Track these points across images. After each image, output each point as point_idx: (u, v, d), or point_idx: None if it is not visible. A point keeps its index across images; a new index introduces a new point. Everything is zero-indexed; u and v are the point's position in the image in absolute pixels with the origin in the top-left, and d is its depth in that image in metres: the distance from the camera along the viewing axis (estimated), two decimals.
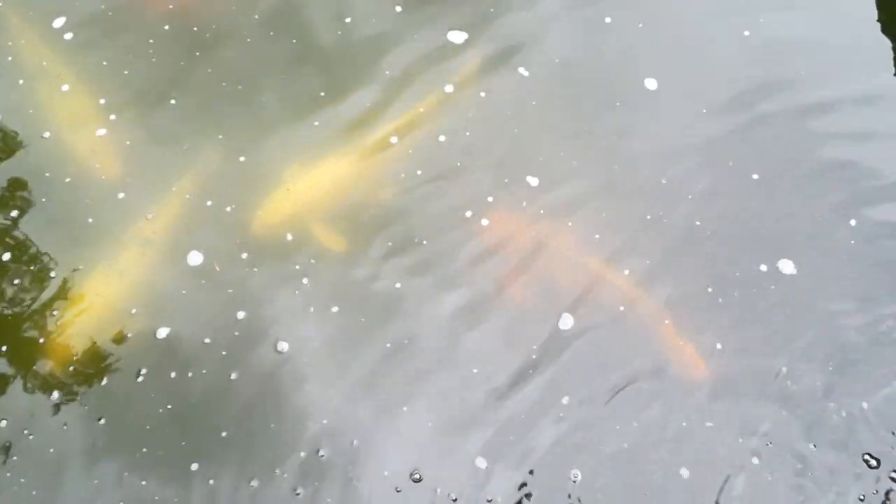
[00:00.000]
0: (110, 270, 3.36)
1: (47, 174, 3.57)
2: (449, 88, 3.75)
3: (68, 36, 4.01)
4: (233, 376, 3.12)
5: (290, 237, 3.41)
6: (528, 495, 2.93)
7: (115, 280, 3.35)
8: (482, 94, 3.73)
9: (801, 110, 3.72)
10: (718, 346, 3.18)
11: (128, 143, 3.66)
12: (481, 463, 2.97)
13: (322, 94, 3.79)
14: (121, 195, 3.52)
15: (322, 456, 2.99)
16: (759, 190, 3.51)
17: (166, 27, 4.04)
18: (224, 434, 3.02)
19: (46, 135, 3.68)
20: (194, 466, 2.96)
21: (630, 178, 3.54)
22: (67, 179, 3.56)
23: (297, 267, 3.34)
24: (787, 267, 3.33)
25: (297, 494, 2.93)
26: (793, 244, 3.39)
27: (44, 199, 3.52)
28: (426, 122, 3.67)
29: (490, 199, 3.48)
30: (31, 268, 3.38)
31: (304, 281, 3.32)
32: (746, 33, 3.93)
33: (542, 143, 3.61)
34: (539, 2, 4.06)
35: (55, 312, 3.26)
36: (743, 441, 3.01)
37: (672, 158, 3.58)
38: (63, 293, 3.31)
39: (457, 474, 2.96)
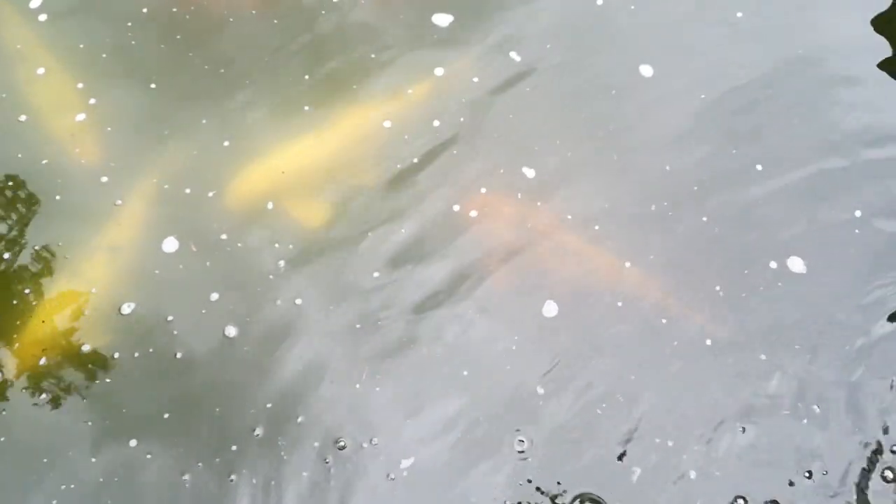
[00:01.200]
0: (86, 253, 3.28)
1: (20, 156, 3.47)
2: (439, 72, 3.65)
3: (43, 17, 3.89)
4: (178, 355, 3.06)
5: (268, 206, 3.35)
6: None
7: (93, 262, 3.27)
8: (475, 80, 3.63)
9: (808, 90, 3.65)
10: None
11: (108, 128, 3.54)
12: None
13: (307, 76, 3.69)
14: (104, 179, 3.41)
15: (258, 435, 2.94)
16: (763, 181, 3.44)
17: (144, 10, 3.92)
18: (167, 416, 2.96)
19: (23, 118, 3.56)
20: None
21: (631, 169, 3.45)
22: (44, 161, 3.45)
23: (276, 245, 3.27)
24: (796, 265, 3.27)
25: (231, 481, 2.86)
26: (802, 241, 3.32)
27: (20, 183, 3.42)
28: (419, 106, 3.57)
29: (483, 189, 3.40)
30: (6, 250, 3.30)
31: (281, 263, 3.24)
32: (739, 14, 3.86)
33: (538, 131, 3.53)
34: None
35: (27, 292, 3.18)
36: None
37: (672, 147, 3.49)
38: (39, 274, 3.23)
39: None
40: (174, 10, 3.91)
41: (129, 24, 3.87)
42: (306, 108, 3.60)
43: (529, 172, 3.43)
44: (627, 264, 3.24)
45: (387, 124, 3.54)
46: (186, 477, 2.85)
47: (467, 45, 3.77)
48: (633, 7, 3.88)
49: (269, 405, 2.98)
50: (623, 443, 2.92)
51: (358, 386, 3.01)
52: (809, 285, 3.23)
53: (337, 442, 2.92)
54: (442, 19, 3.83)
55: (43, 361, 3.06)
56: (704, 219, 3.34)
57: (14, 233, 3.34)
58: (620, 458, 2.90)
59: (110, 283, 3.21)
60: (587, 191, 3.40)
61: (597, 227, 3.32)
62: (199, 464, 2.87)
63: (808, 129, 3.56)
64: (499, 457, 2.90)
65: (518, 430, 2.94)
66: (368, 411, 2.98)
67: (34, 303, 3.16)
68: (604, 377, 3.04)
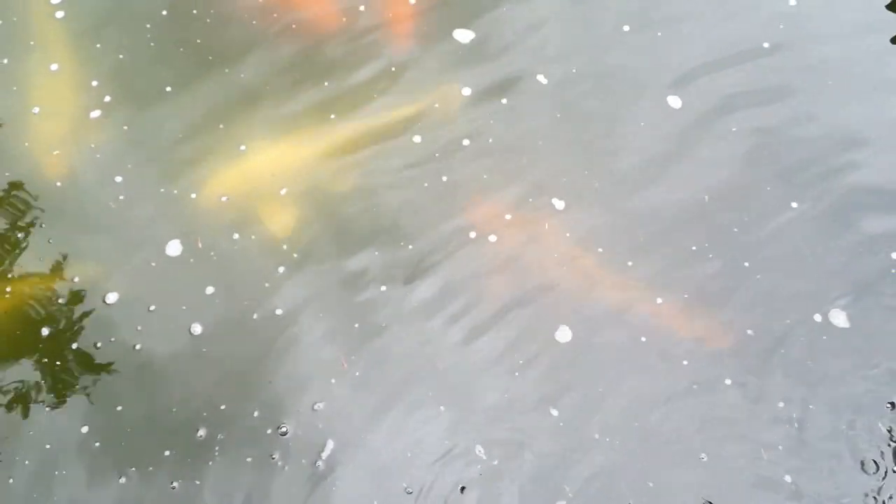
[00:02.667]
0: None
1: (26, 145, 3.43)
2: (466, 91, 3.57)
3: (60, 14, 3.81)
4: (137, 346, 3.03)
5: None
6: None
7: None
8: (503, 101, 3.55)
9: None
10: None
11: (125, 127, 3.47)
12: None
13: (326, 83, 3.61)
14: (118, 178, 3.37)
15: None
16: (800, 220, 3.34)
17: (164, 12, 3.84)
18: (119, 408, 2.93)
19: (35, 110, 3.51)
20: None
21: (666, 204, 3.35)
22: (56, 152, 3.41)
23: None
24: (838, 318, 3.15)
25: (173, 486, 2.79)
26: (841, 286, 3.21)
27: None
28: (448, 123, 3.49)
29: (508, 216, 3.30)
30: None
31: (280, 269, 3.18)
32: (766, 45, 3.79)
33: (567, 160, 3.43)
34: (544, 2, 3.89)
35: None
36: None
37: (707, 184, 3.39)
38: (52, 273, 3.21)
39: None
40: (194, 11, 3.83)
41: (148, 25, 3.79)
42: (332, 116, 3.52)
43: (559, 203, 3.34)
44: (659, 300, 3.15)
45: (417, 139, 3.46)
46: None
47: (493, 64, 3.69)
48: (659, 34, 3.81)
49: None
50: None
51: (358, 412, 2.95)
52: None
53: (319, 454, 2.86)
54: (463, 35, 3.76)
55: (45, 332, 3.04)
56: (746, 264, 3.23)
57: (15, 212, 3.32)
58: None
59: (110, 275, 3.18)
60: (620, 224, 3.30)
61: (630, 263, 3.22)
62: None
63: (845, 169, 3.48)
64: None
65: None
66: (362, 434, 2.91)
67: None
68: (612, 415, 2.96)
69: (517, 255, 3.24)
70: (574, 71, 3.67)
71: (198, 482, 2.82)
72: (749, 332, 3.09)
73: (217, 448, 2.88)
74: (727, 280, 3.19)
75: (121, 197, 3.34)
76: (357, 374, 3.01)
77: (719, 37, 3.78)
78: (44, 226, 3.28)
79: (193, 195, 3.34)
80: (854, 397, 2.99)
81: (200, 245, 3.24)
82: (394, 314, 3.12)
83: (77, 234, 3.28)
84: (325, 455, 2.87)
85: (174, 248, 3.23)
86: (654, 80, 3.65)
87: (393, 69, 3.66)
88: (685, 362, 3.04)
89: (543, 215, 3.31)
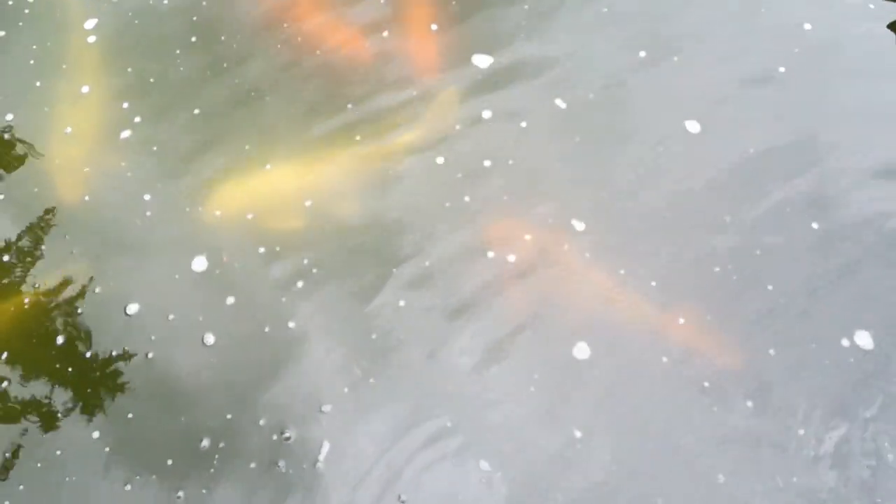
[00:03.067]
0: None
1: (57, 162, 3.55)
2: (487, 114, 3.64)
3: (92, 39, 3.94)
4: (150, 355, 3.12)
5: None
6: None
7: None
8: (523, 125, 3.60)
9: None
10: None
11: (154, 147, 3.57)
12: None
13: (349, 106, 3.69)
14: (146, 196, 3.46)
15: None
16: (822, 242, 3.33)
17: (193, 38, 3.95)
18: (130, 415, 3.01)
19: (68, 130, 3.62)
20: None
21: (687, 226, 3.36)
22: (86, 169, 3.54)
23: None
24: (864, 340, 3.14)
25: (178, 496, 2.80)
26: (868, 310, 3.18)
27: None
28: (470, 144, 3.55)
29: (528, 237, 3.34)
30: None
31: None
32: (782, 69, 3.81)
33: (587, 183, 3.47)
34: (561, 27, 3.95)
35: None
36: None
37: (726, 207, 3.39)
38: (74, 284, 3.29)
39: None
40: (222, 38, 3.93)
41: (178, 51, 3.90)
42: (357, 137, 3.59)
43: (579, 225, 3.36)
44: (681, 320, 3.16)
45: (440, 160, 3.51)
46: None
47: (511, 88, 3.76)
48: (675, 58, 3.87)
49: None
50: None
51: (361, 424, 2.97)
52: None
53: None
54: (482, 60, 3.84)
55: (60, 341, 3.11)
56: (770, 287, 3.22)
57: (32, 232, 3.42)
58: None
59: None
60: (641, 245, 3.30)
61: (653, 283, 3.22)
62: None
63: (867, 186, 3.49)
64: None
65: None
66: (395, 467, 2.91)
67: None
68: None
69: (536, 274, 3.26)
70: (591, 97, 3.72)
71: (204, 491, 2.86)
72: (771, 351, 3.10)
73: (220, 456, 2.91)
74: (750, 302, 3.19)
75: (148, 213, 3.41)
76: (371, 380, 3.05)
77: (736, 61, 3.83)
78: (69, 238, 3.37)
79: (218, 212, 3.41)
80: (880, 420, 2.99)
81: (226, 259, 3.30)
82: (410, 329, 3.15)
83: (102, 248, 3.36)
84: (323, 457, 2.91)
85: (200, 263, 3.29)
86: (672, 105, 3.70)
87: (414, 93, 3.73)
88: (706, 384, 3.04)
89: (563, 236, 3.34)
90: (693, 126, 3.60)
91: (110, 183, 3.49)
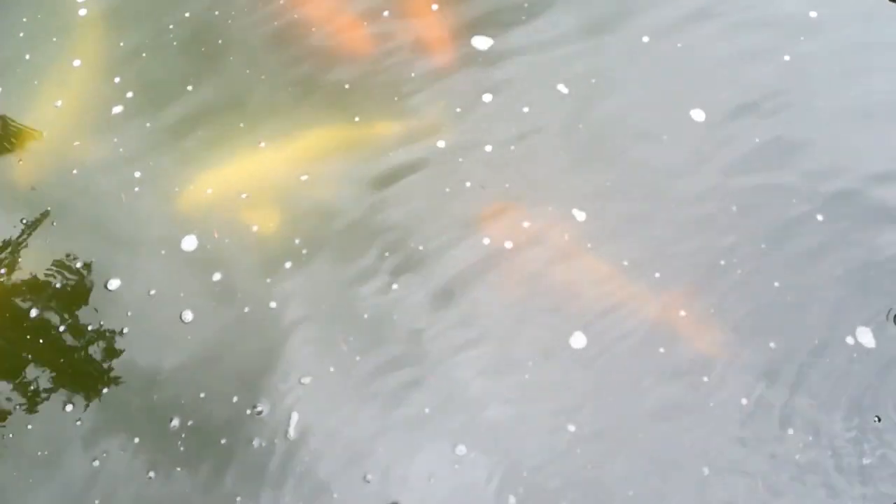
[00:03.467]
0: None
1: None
2: (487, 98, 3.56)
3: (83, 12, 3.82)
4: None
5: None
6: None
7: None
8: (525, 110, 3.53)
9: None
10: None
11: (147, 124, 3.48)
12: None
13: (347, 86, 3.61)
14: (137, 174, 3.39)
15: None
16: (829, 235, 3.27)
17: (187, 14, 3.84)
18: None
19: (58, 104, 3.54)
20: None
21: (692, 217, 3.28)
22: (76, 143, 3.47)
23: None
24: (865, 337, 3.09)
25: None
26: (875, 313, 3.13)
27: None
28: (471, 130, 3.47)
29: (526, 224, 3.27)
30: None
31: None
32: (787, 58, 3.72)
33: (589, 172, 3.39)
34: (562, 9, 3.86)
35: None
36: None
37: (732, 199, 3.32)
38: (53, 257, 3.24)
39: None
40: (216, 13, 3.83)
41: (171, 25, 3.80)
42: (356, 118, 3.51)
43: (580, 215, 3.29)
44: (682, 313, 3.11)
45: (441, 144, 3.44)
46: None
47: (512, 71, 3.67)
48: (679, 45, 3.78)
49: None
50: None
51: (357, 415, 2.93)
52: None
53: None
54: (482, 42, 3.75)
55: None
56: (777, 284, 3.16)
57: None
58: None
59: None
60: (643, 237, 3.24)
61: (657, 275, 3.16)
62: None
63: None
64: None
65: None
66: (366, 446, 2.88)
67: None
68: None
69: (533, 261, 3.21)
70: (594, 81, 3.65)
71: (177, 469, 2.84)
72: (771, 345, 3.05)
73: (188, 435, 2.88)
74: (753, 296, 3.13)
75: (136, 189, 3.35)
76: (357, 358, 3.01)
77: (741, 47, 3.74)
78: (52, 211, 3.32)
79: (210, 190, 3.34)
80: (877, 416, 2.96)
81: (217, 235, 3.25)
82: (399, 311, 3.10)
83: (87, 223, 3.31)
84: (294, 431, 2.89)
85: (190, 242, 3.24)
86: (677, 92, 3.63)
87: (413, 74, 3.65)
88: (705, 378, 2.99)
89: (563, 225, 3.27)
90: (698, 114, 3.53)
91: (100, 158, 3.42)
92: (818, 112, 3.58)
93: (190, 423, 2.90)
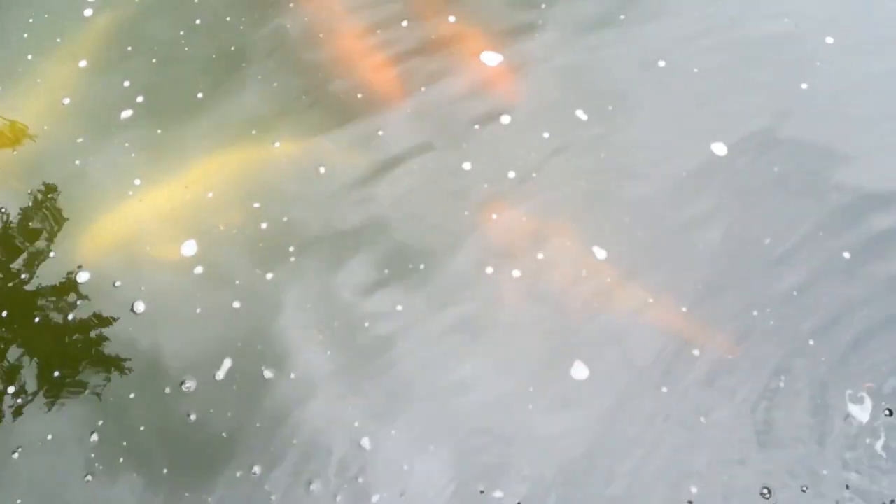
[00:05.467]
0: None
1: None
2: (506, 120, 3.47)
3: (88, 13, 3.72)
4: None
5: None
6: None
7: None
8: (545, 135, 3.45)
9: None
10: None
11: (158, 131, 3.40)
12: None
13: (359, 95, 3.54)
14: (137, 181, 3.32)
15: None
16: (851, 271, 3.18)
17: (197, 21, 3.74)
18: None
19: (66, 101, 3.50)
20: None
21: (713, 254, 3.18)
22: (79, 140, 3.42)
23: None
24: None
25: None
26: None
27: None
28: (501, 152, 3.38)
29: (540, 255, 3.16)
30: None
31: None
32: (804, 86, 3.61)
33: (610, 206, 3.29)
34: (574, 25, 3.78)
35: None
36: None
37: (755, 233, 3.22)
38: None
39: None
40: (227, 18, 3.74)
41: (182, 32, 3.70)
42: (380, 132, 3.43)
43: (600, 252, 3.18)
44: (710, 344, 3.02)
45: (466, 166, 3.35)
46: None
47: (530, 95, 3.58)
48: (696, 70, 3.70)
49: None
50: None
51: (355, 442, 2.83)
52: None
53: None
54: (491, 58, 3.67)
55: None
56: (811, 343, 3.02)
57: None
58: None
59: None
60: (667, 271, 3.15)
61: (684, 309, 3.06)
62: None
63: None
64: None
65: None
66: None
67: None
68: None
69: (541, 292, 3.12)
70: (610, 108, 3.57)
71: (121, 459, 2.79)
72: (781, 384, 2.96)
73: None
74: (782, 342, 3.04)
75: (137, 181, 3.31)
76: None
77: (756, 78, 3.66)
78: (50, 201, 3.27)
79: (210, 195, 3.29)
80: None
81: (223, 227, 3.20)
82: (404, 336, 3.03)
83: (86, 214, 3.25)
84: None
85: (189, 247, 3.16)
86: (698, 125, 3.55)
87: (423, 89, 3.57)
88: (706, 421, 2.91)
89: (582, 262, 3.17)
90: (719, 149, 3.46)
91: (101, 156, 3.36)
92: (836, 140, 3.50)
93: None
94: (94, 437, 2.81)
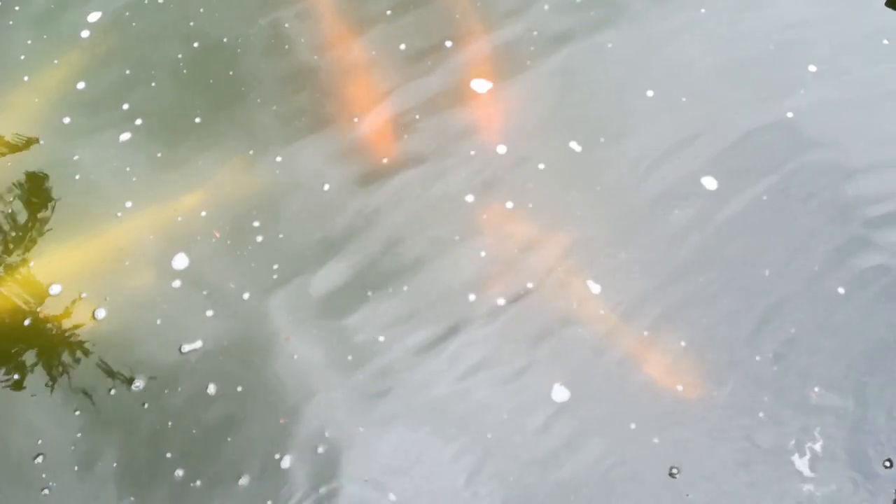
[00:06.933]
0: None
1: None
2: (502, 150, 3.51)
3: (85, 33, 3.77)
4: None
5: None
6: None
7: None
8: (540, 167, 3.49)
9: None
10: None
11: (158, 154, 3.44)
12: None
13: (356, 119, 3.58)
14: (128, 204, 3.38)
15: None
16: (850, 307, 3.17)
17: (196, 44, 3.77)
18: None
19: (66, 120, 3.55)
20: None
21: (712, 288, 3.21)
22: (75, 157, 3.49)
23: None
24: None
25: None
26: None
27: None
28: (505, 179, 3.42)
29: (530, 284, 3.20)
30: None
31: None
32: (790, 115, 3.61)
33: (607, 240, 3.31)
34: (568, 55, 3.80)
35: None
36: None
37: (753, 264, 3.25)
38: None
39: None
40: (224, 39, 3.77)
41: (180, 56, 3.73)
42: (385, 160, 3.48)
43: (595, 287, 3.20)
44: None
45: (469, 199, 3.37)
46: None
47: (527, 127, 3.61)
48: (684, 99, 3.66)
49: None
50: None
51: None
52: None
53: None
54: (481, 85, 3.70)
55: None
56: (804, 362, 3.06)
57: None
58: None
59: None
60: (662, 305, 3.18)
61: (682, 344, 3.08)
62: None
63: None
64: None
65: None
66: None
67: None
68: None
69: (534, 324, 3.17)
70: (602, 140, 3.61)
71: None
72: (780, 428, 2.98)
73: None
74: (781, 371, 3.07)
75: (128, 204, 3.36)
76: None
77: (745, 109, 3.67)
78: (49, 214, 3.34)
79: (204, 213, 3.34)
80: None
81: (217, 235, 3.26)
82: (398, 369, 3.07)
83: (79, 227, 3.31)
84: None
85: (181, 260, 3.23)
86: (689, 162, 3.58)
87: (417, 116, 3.60)
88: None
89: (579, 295, 3.20)
90: (710, 183, 3.50)
91: (98, 175, 3.42)
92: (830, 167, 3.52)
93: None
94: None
